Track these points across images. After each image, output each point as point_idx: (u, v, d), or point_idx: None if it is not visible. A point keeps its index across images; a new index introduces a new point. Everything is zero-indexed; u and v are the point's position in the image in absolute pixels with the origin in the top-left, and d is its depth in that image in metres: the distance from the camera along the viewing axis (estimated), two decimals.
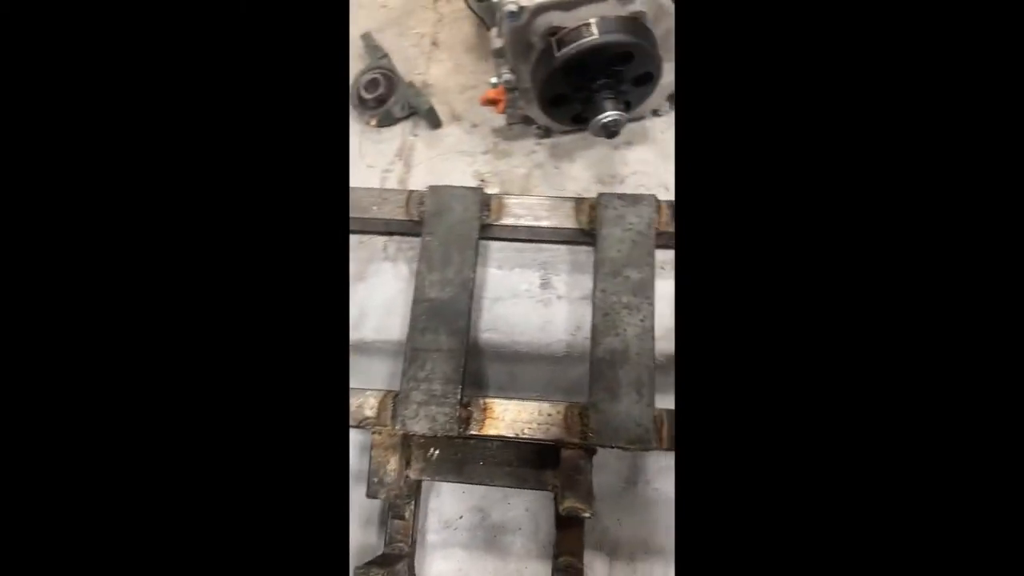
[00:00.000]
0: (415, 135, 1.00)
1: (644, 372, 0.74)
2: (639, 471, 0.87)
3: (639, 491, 0.87)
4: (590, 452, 0.74)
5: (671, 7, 0.76)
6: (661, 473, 0.87)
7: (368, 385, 0.80)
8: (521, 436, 0.74)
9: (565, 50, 0.71)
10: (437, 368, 0.75)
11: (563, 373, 0.89)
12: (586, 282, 0.88)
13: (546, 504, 0.86)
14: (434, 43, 1.06)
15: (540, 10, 0.72)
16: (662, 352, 0.80)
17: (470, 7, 1.00)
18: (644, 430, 0.71)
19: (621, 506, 0.86)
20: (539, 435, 0.74)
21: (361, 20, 1.09)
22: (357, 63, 1.03)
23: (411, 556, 0.81)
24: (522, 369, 0.90)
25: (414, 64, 1.04)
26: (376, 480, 0.75)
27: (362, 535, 0.87)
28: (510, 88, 0.84)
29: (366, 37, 1.02)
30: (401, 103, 0.97)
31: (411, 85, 0.98)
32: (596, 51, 0.72)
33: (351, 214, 0.86)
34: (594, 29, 0.70)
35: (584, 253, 0.91)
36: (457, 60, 1.04)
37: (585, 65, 0.74)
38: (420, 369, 0.75)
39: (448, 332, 0.77)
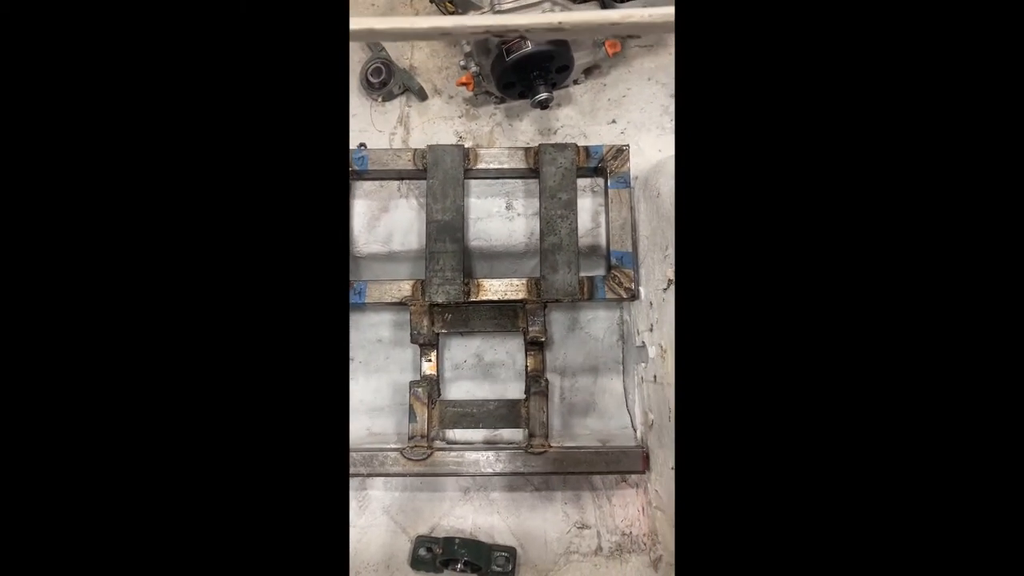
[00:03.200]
0: (409, 106, 1.36)
1: (572, 256, 1.18)
2: (576, 322, 1.31)
3: (576, 334, 1.30)
4: (543, 305, 1.22)
5: None
6: (589, 322, 1.31)
7: (398, 277, 1.25)
8: (502, 299, 1.19)
9: (511, 56, 1.12)
10: (447, 263, 1.19)
11: (523, 264, 1.29)
12: (535, 204, 1.26)
13: (519, 348, 1.29)
14: None
15: None
16: (582, 244, 1.23)
17: (437, 6, 1.35)
18: (573, 288, 1.17)
19: (566, 344, 1.30)
20: (512, 297, 1.18)
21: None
22: (362, 55, 1.37)
23: (437, 381, 1.28)
24: (497, 262, 1.29)
25: (402, 51, 1.38)
26: (416, 333, 1.21)
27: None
28: (476, 75, 1.24)
29: None
30: (398, 83, 1.33)
31: (403, 69, 1.36)
32: (530, 56, 1.12)
33: (375, 167, 1.26)
34: (528, 43, 1.11)
35: (532, 184, 1.27)
36: (432, 47, 1.40)
37: (524, 64, 1.14)
38: (436, 264, 1.19)
39: (451, 240, 1.19)
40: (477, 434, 1.27)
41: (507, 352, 1.32)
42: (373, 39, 1.21)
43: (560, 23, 0.66)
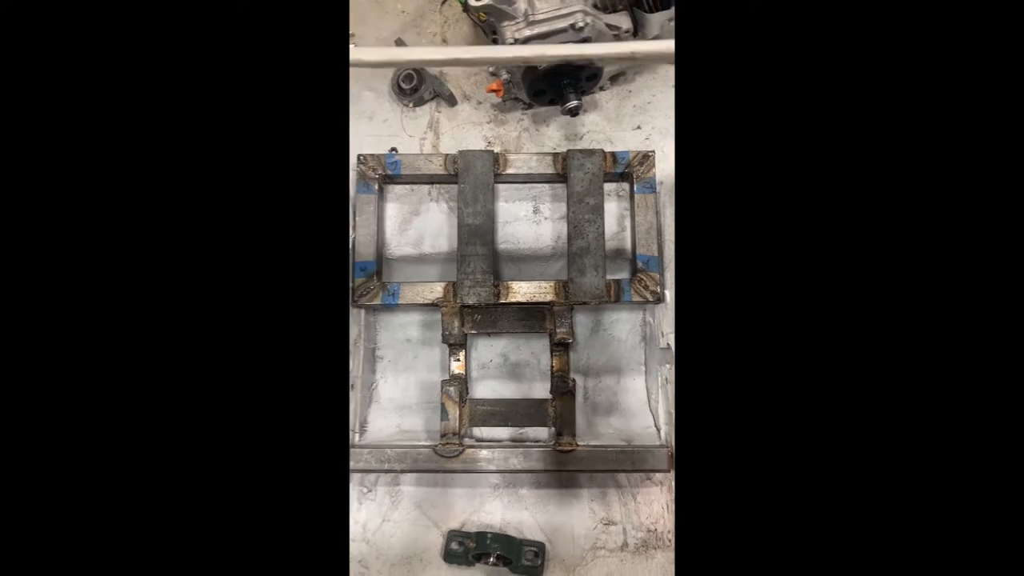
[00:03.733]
0: (439, 112, 1.39)
1: (599, 259, 1.22)
2: (599, 323, 1.34)
3: (600, 336, 1.34)
4: (570, 307, 1.26)
5: (606, 29, 1.19)
6: (613, 324, 1.34)
7: (428, 279, 1.28)
8: (530, 301, 1.23)
9: (543, 65, 1.15)
10: (478, 265, 1.22)
11: (549, 266, 1.33)
12: (561, 208, 1.31)
13: (544, 349, 1.32)
14: (444, 40, 1.44)
15: (527, 40, 1.15)
16: (611, 248, 1.27)
17: (468, 14, 1.38)
18: (600, 291, 1.20)
19: (590, 345, 1.33)
20: (540, 299, 1.22)
21: (387, 23, 1.44)
22: None
23: (465, 380, 1.32)
24: (524, 265, 1.33)
25: None
26: (447, 333, 1.24)
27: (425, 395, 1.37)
28: (507, 82, 1.27)
29: (399, 42, 1.40)
30: (428, 89, 1.37)
31: (434, 75, 1.39)
32: (562, 65, 1.16)
33: (407, 171, 1.29)
34: None
35: (559, 188, 1.32)
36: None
37: (556, 73, 1.17)
38: (468, 266, 1.22)
39: (482, 244, 1.23)
40: (503, 432, 1.30)
41: (532, 352, 1.35)
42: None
43: (552, 55, 0.69)
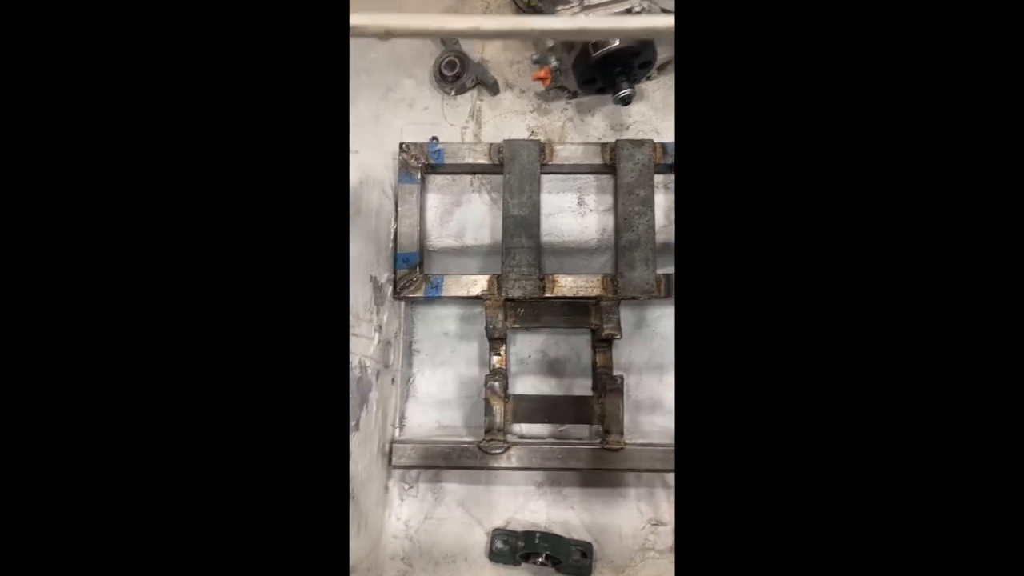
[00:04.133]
0: (481, 100, 1.36)
1: (649, 253, 1.19)
2: (644, 319, 1.30)
3: (643, 331, 1.30)
4: (617, 302, 1.22)
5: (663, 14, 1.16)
6: (657, 320, 1.30)
7: (469, 271, 1.25)
8: (576, 296, 1.20)
9: (597, 52, 1.11)
10: (523, 258, 1.19)
11: (594, 260, 1.30)
12: (607, 200, 1.27)
13: (584, 345, 1.29)
14: None
15: None
16: (660, 241, 1.23)
17: (514, 1, 1.34)
18: (650, 285, 1.17)
19: (633, 341, 1.29)
20: (587, 293, 1.19)
21: (430, 8, 1.40)
22: (434, 48, 1.37)
23: (506, 375, 1.29)
24: (567, 258, 1.29)
25: (474, 45, 1.38)
26: (491, 327, 1.21)
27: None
28: (554, 69, 1.23)
29: None
30: (471, 77, 1.34)
31: (477, 63, 1.35)
32: (617, 52, 1.12)
33: (451, 161, 1.26)
34: (616, 39, 1.10)
35: (605, 179, 1.28)
36: (504, 40, 1.40)
37: (610, 60, 1.13)
38: (512, 259, 1.19)
39: (527, 236, 1.20)
40: (541, 429, 1.27)
41: (571, 348, 1.31)
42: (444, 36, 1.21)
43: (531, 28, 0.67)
